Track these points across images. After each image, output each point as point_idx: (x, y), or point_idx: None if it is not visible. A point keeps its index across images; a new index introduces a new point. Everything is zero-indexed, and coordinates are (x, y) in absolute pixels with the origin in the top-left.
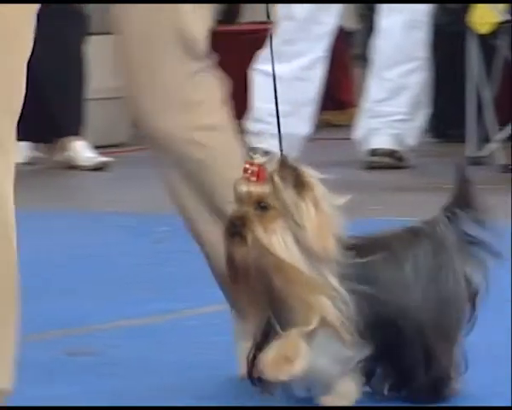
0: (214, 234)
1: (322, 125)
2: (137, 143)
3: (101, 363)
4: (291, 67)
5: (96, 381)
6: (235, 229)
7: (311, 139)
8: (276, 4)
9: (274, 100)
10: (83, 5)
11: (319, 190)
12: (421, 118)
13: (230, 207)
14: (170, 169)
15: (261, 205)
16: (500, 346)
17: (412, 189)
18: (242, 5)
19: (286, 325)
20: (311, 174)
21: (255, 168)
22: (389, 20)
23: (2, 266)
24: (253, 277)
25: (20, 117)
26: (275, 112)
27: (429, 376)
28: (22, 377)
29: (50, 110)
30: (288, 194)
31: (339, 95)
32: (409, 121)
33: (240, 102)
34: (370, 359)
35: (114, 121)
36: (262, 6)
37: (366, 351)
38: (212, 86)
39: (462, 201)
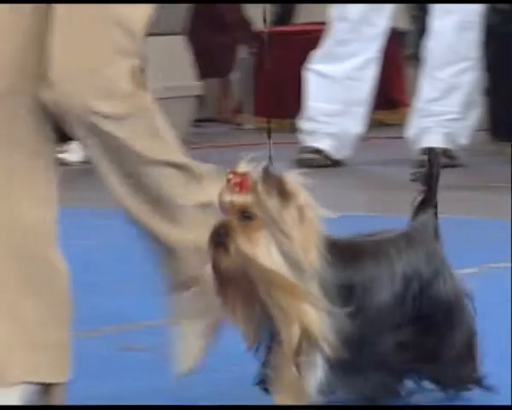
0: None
1: (374, 124)
2: (194, 141)
3: (153, 359)
4: (344, 67)
5: (146, 377)
6: (219, 239)
7: (363, 138)
8: (330, 5)
9: (327, 99)
10: None
11: (303, 198)
12: (474, 117)
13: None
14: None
15: (245, 215)
16: (500, 346)
17: (465, 187)
18: (297, 6)
19: (274, 334)
20: (296, 183)
21: (238, 178)
22: (441, 21)
23: (54, 270)
24: (237, 286)
25: None
26: (328, 111)
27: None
28: (77, 371)
29: None
30: (272, 203)
31: (391, 94)
32: (461, 120)
33: (294, 101)
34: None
35: (171, 120)
36: (317, 7)
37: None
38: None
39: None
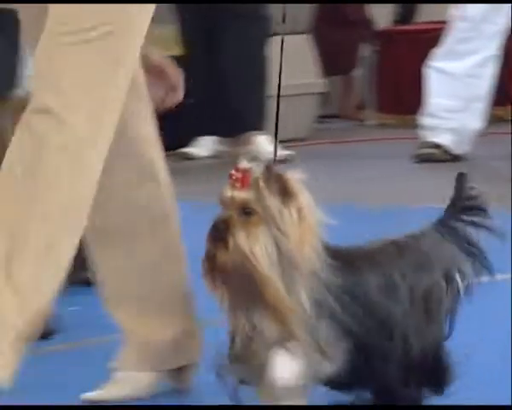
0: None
1: (493, 119)
2: (319, 137)
3: None
4: (464, 64)
5: None
6: (218, 233)
7: (482, 133)
8: (451, 5)
9: (447, 96)
10: (265, 6)
11: (304, 198)
12: None
13: None
14: None
15: (245, 211)
16: (500, 346)
17: None
18: (419, 6)
19: (261, 331)
20: (297, 182)
21: (240, 174)
22: None
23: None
24: (232, 281)
25: (207, 112)
26: (449, 107)
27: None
28: None
29: (235, 106)
30: (272, 201)
31: (511, 90)
32: None
33: (415, 97)
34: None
35: (296, 116)
36: (438, 6)
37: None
38: None
39: (460, 207)
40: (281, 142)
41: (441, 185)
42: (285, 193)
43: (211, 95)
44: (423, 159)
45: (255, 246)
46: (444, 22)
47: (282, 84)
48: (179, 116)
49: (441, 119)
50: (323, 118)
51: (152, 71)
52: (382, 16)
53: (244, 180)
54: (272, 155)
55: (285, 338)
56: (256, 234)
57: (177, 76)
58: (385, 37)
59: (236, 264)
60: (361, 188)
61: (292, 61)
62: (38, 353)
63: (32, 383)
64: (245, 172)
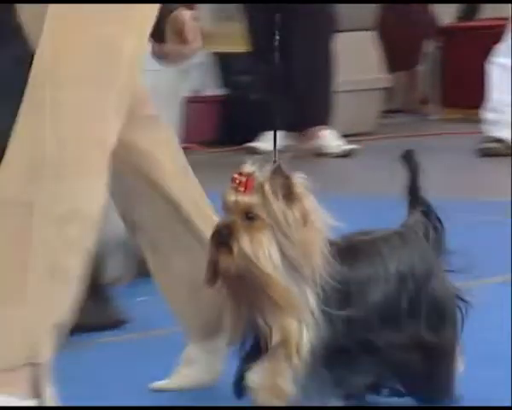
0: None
1: None
2: (383, 132)
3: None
4: None
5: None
6: (222, 238)
7: None
8: None
9: (509, 91)
10: (331, 5)
11: (309, 202)
12: None
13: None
14: None
15: (248, 215)
16: (500, 346)
17: None
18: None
19: (264, 337)
20: (303, 186)
21: (243, 178)
22: None
23: None
24: (235, 286)
25: (275, 108)
26: (511, 102)
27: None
28: None
29: (302, 102)
30: (278, 204)
31: None
32: None
33: (478, 92)
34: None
35: (361, 111)
36: (501, 3)
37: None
38: None
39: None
40: (345, 136)
41: (503, 179)
42: (290, 196)
43: (278, 90)
44: (486, 153)
45: (259, 250)
46: (506, 19)
47: (348, 80)
48: (248, 111)
49: (503, 113)
50: (388, 113)
51: (177, 30)
52: (446, 13)
53: (248, 184)
54: (335, 149)
55: (289, 341)
56: (260, 239)
57: (193, 30)
58: (448, 33)
59: (240, 269)
60: (425, 181)
61: (357, 58)
62: (107, 342)
63: (102, 373)
64: (249, 176)
